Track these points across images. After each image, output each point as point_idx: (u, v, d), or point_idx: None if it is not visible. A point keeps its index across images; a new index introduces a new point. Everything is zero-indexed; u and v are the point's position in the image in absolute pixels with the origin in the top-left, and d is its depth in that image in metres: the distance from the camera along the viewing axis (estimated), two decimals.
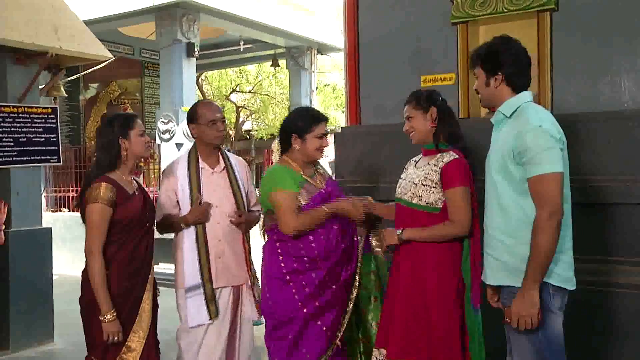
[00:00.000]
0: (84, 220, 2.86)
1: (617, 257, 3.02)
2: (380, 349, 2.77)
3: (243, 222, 3.24)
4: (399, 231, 2.69)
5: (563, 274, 2.29)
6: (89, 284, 2.78)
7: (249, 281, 3.29)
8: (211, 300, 3.17)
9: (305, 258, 2.86)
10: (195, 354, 3.21)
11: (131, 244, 2.84)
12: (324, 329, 2.84)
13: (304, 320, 2.84)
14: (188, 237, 3.20)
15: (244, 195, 3.33)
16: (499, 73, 2.39)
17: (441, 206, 2.66)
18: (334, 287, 2.87)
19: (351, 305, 2.91)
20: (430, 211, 2.66)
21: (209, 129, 3.23)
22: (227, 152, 3.44)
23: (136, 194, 2.93)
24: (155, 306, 2.99)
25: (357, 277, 2.92)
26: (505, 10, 3.45)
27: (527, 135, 2.24)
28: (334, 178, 3.62)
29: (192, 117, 3.28)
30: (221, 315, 3.22)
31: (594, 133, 3.10)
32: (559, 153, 2.25)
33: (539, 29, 3.37)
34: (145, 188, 3.15)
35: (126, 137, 2.87)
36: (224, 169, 3.32)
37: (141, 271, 2.89)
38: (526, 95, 2.40)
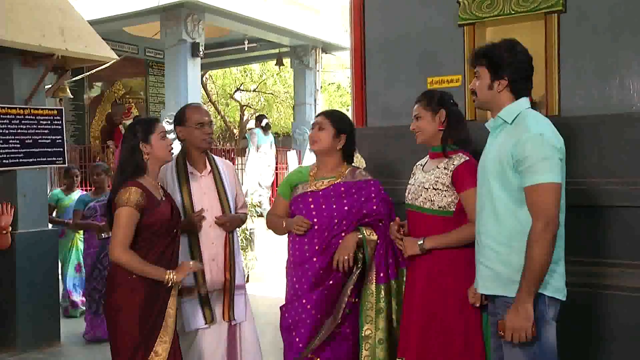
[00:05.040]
0: (111, 229, 2.82)
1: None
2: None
3: (227, 221, 3.22)
4: (420, 241, 2.64)
5: (556, 284, 2.25)
6: (115, 289, 2.76)
7: (228, 283, 3.24)
8: (206, 304, 3.15)
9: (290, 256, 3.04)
10: (196, 358, 3.20)
11: (159, 249, 2.81)
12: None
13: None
14: (181, 241, 3.20)
15: (229, 198, 3.31)
16: (505, 77, 2.33)
17: (454, 209, 2.63)
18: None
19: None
20: (443, 215, 2.64)
21: (197, 131, 3.22)
22: (214, 156, 3.41)
23: (164, 199, 2.90)
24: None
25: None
26: (513, 12, 3.42)
27: (527, 143, 2.18)
28: None
29: (180, 119, 3.26)
30: (218, 318, 3.22)
31: (602, 135, 3.08)
32: (558, 163, 2.20)
33: (547, 31, 3.34)
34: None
35: (147, 141, 2.84)
36: (210, 172, 3.31)
37: None
38: (526, 102, 2.35)
